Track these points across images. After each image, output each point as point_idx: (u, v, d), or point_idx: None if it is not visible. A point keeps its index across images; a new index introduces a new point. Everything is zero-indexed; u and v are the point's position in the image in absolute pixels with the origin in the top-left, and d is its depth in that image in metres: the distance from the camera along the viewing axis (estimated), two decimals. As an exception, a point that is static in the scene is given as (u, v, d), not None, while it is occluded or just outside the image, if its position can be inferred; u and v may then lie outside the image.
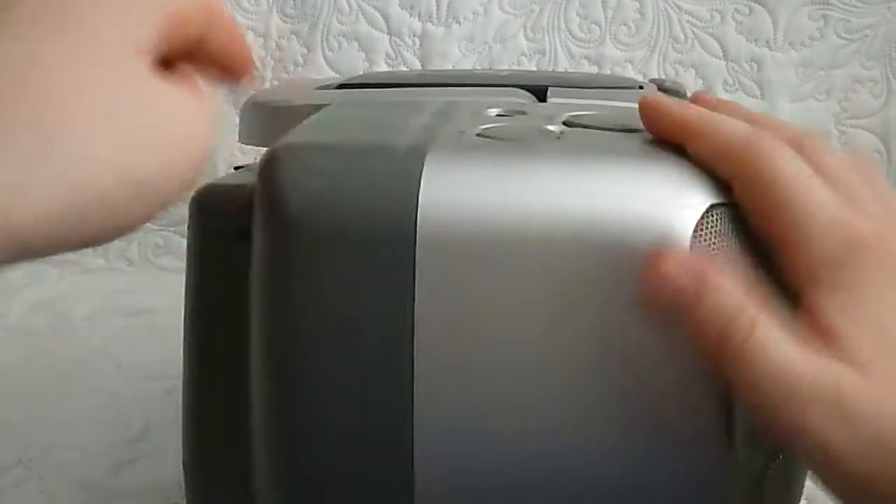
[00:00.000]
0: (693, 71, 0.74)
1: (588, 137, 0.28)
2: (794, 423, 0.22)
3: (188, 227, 0.28)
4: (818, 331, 0.23)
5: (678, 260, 0.23)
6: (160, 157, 0.21)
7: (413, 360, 0.24)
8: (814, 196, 0.24)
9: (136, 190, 0.20)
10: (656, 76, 0.74)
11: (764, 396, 0.22)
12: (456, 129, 0.27)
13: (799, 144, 0.25)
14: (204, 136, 0.22)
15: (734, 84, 0.74)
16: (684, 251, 0.23)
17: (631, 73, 0.75)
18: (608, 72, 0.75)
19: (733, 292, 0.23)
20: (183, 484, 0.38)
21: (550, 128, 0.28)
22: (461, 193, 0.24)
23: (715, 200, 0.24)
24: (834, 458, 0.22)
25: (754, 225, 0.25)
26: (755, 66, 0.74)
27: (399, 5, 0.75)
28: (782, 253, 0.24)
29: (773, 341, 0.22)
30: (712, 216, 0.24)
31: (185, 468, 0.29)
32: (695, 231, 0.24)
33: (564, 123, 0.29)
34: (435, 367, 0.24)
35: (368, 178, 0.24)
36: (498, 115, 0.30)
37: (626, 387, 0.24)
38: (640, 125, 0.27)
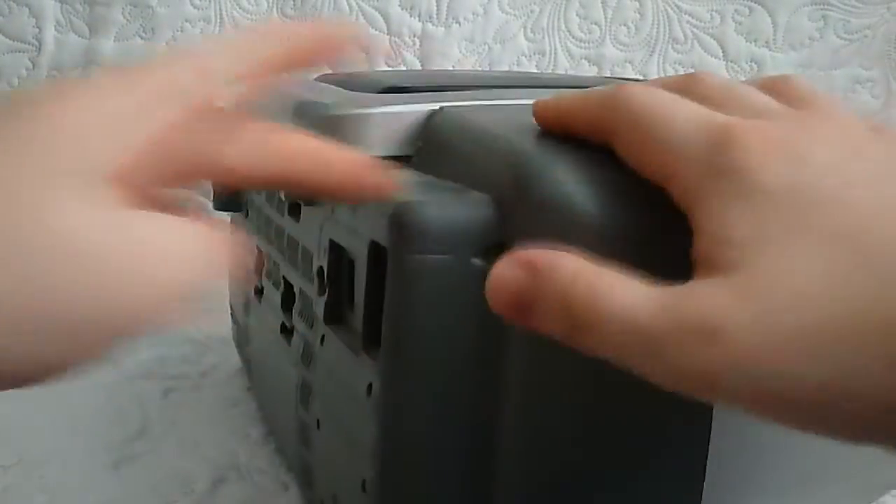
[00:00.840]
0: (693, 71, 0.75)
1: None
2: (664, 365, 0.20)
3: (392, 258, 0.25)
4: (700, 252, 0.21)
5: (507, 261, 0.22)
6: (102, 297, 0.20)
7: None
8: (674, 114, 0.23)
9: (63, 329, 0.19)
10: (656, 77, 0.74)
11: (631, 356, 0.20)
12: None
13: (682, 84, 0.25)
14: (181, 277, 0.21)
15: (734, 84, 0.74)
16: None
17: (631, 73, 0.75)
18: (607, 73, 0.75)
19: (567, 266, 0.21)
20: (183, 482, 0.38)
21: None
22: None
23: None
24: (716, 389, 0.20)
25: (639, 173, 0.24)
26: (755, 66, 0.74)
27: (399, 6, 0.75)
28: (663, 187, 0.23)
29: (613, 296, 0.21)
30: None
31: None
32: None
33: None
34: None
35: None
36: None
37: None
38: None
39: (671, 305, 0.20)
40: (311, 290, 0.33)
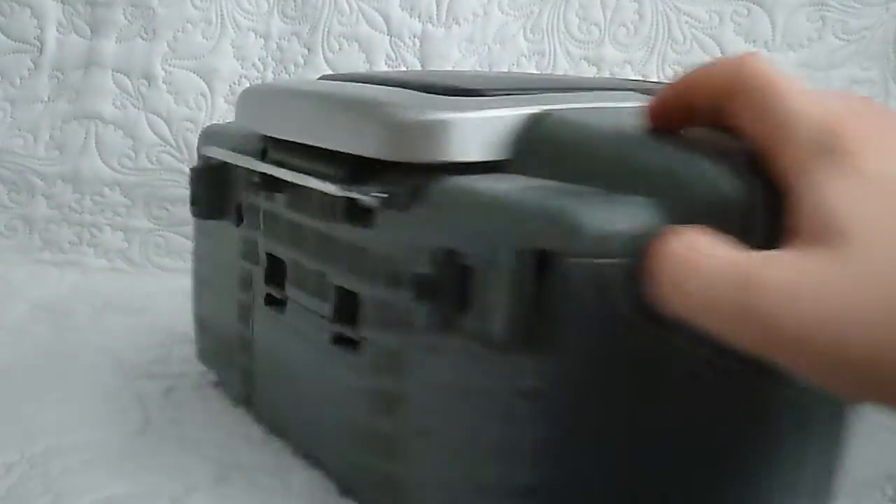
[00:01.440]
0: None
1: None
2: (749, 323, 0.22)
3: (565, 263, 0.26)
4: (798, 223, 0.23)
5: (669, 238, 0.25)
6: None
7: None
8: (794, 89, 0.25)
9: None
10: (655, 77, 0.74)
11: (719, 314, 0.22)
12: None
13: None
14: None
15: (733, 85, 0.74)
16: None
17: (630, 74, 0.75)
18: (607, 73, 0.75)
19: (685, 231, 0.24)
20: (185, 480, 0.38)
21: None
22: None
23: None
24: (792, 349, 0.22)
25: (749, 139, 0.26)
26: (753, 67, 0.74)
27: (399, 7, 0.76)
28: (770, 154, 0.25)
29: (709, 253, 0.23)
30: None
31: None
32: None
33: None
34: None
35: None
36: None
37: None
38: None
39: (765, 268, 0.22)
40: (397, 297, 0.31)
